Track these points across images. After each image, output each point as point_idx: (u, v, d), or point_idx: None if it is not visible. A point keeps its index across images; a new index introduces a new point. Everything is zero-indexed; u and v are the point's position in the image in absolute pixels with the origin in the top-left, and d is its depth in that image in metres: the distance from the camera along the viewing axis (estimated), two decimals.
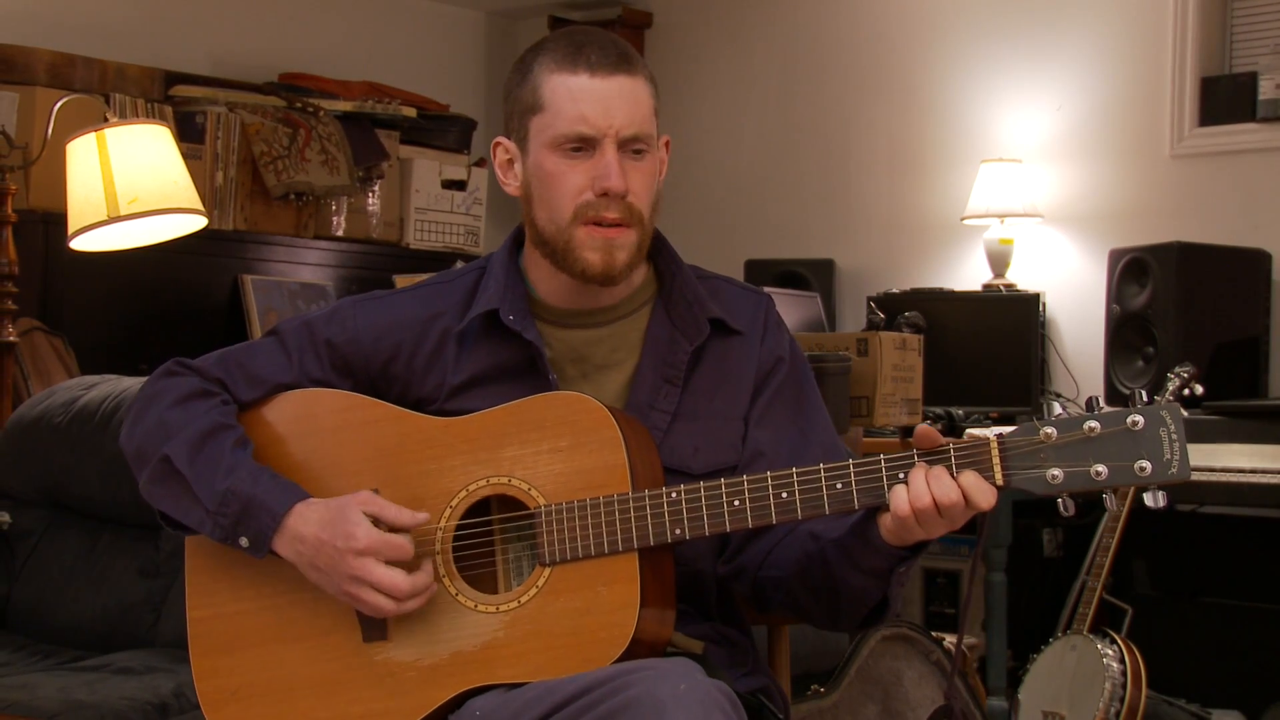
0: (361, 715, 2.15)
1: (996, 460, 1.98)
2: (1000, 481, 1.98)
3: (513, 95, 2.25)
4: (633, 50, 2.22)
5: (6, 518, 3.76)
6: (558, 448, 2.12)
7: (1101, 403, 2.00)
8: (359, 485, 2.19)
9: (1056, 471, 1.96)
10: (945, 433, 5.24)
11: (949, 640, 4.15)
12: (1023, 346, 5.68)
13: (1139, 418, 1.94)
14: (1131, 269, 5.19)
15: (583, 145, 2.17)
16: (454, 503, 2.16)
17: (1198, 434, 4.72)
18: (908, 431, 5.15)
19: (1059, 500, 1.98)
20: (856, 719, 3.62)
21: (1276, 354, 5.29)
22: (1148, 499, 1.96)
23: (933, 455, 2.00)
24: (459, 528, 2.16)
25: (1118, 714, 4.26)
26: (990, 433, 2.03)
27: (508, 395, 2.20)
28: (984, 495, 1.96)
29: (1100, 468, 1.94)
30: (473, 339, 2.27)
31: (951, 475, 1.98)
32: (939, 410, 5.27)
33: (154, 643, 3.48)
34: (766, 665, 2.41)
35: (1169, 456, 1.93)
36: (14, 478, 3.84)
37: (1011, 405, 5.61)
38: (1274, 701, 4.70)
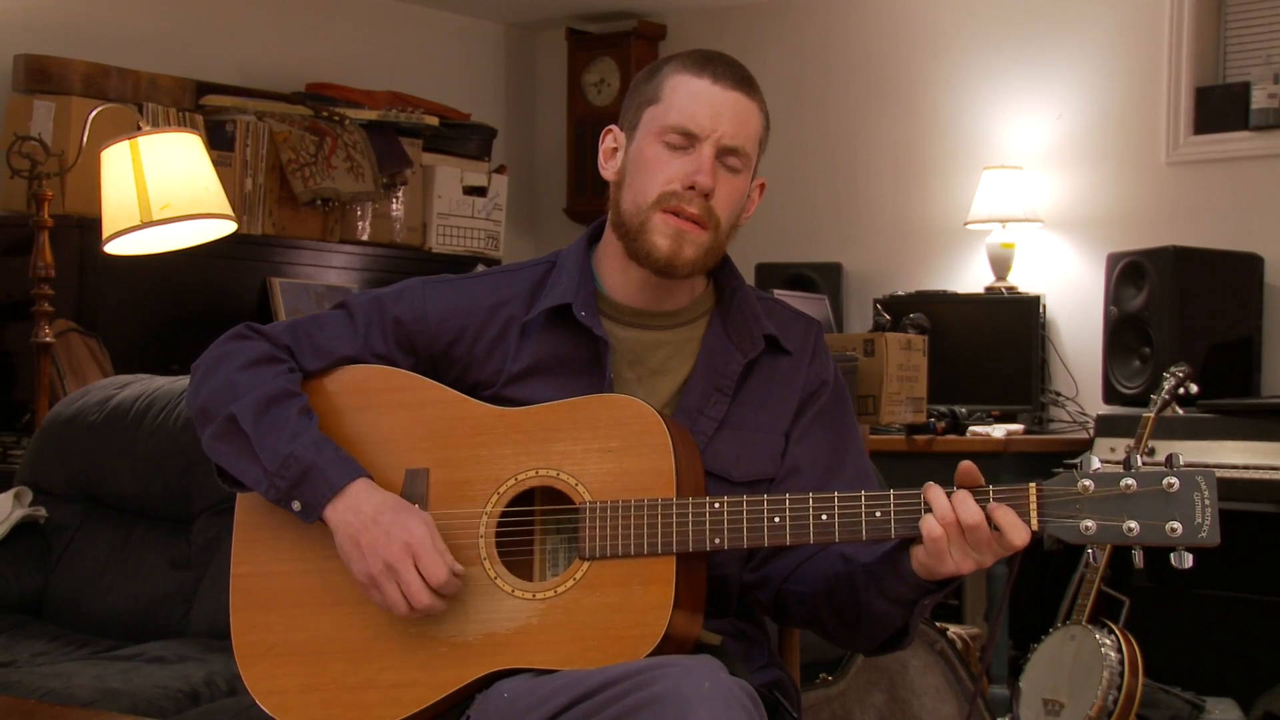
0: (391, 684, 2.15)
1: (1033, 505, 1.99)
2: (1035, 526, 1.98)
3: (636, 89, 2.32)
4: (755, 80, 2.30)
5: (43, 512, 3.79)
6: (608, 448, 2.14)
7: (1139, 458, 2.00)
8: (410, 463, 2.21)
9: (1090, 523, 1.96)
10: (948, 430, 5.32)
11: (953, 630, 4.22)
12: (1024, 347, 5.74)
13: (1174, 480, 1.94)
14: (1129, 272, 5.25)
15: (684, 141, 2.23)
16: (501, 489, 2.17)
17: (1193, 432, 4.78)
18: (912, 429, 5.22)
19: (1089, 550, 2.01)
20: (863, 707, 3.62)
21: (1269, 354, 5.33)
22: (1173, 559, 1.95)
23: (973, 492, 2.02)
24: (503, 514, 2.18)
25: (1115, 702, 4.33)
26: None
27: (564, 386, 2.24)
28: (1018, 533, 1.97)
29: (1132, 524, 1.95)
30: (537, 329, 2.30)
31: (976, 502, 1.99)
32: (943, 409, 5.31)
33: (185, 633, 3.51)
34: (779, 659, 2.43)
35: (1200, 520, 1.93)
36: (50, 474, 3.87)
37: (1013, 404, 5.65)
38: (1266, 690, 4.74)
